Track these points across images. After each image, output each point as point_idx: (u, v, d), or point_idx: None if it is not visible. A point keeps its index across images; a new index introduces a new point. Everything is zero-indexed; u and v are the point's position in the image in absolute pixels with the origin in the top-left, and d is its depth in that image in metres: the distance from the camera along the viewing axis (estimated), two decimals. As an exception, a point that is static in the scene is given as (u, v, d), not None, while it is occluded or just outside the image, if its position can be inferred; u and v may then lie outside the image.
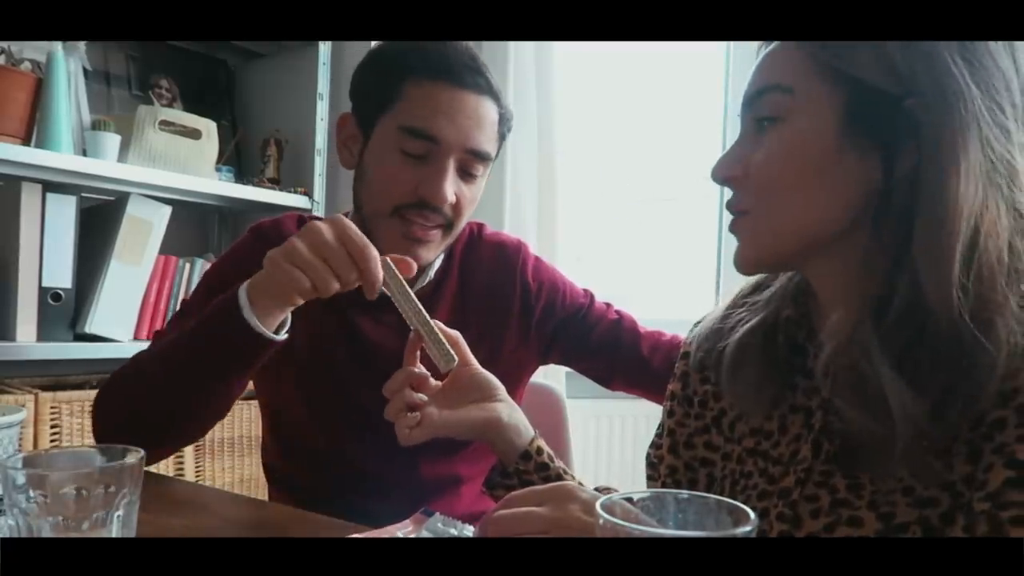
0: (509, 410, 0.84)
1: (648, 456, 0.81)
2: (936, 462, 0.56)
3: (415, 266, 0.82)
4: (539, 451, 0.83)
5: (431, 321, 0.80)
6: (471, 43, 0.97)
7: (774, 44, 0.64)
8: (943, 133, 0.56)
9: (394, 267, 0.80)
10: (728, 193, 0.68)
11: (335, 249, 0.77)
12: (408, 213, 0.93)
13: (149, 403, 0.88)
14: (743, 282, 0.76)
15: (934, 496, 0.57)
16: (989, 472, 0.55)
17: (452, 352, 0.80)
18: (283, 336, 0.84)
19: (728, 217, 0.68)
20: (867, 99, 0.59)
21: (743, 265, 0.67)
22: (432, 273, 1.04)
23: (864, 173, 0.60)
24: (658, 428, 0.81)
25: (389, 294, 0.80)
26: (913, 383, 0.56)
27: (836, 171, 0.60)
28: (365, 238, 0.79)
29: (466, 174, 0.95)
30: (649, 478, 0.81)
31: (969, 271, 0.56)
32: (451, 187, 0.93)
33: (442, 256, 1.05)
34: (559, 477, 0.82)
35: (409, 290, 0.80)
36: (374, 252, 0.78)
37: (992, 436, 0.55)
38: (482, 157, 0.95)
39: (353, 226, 0.79)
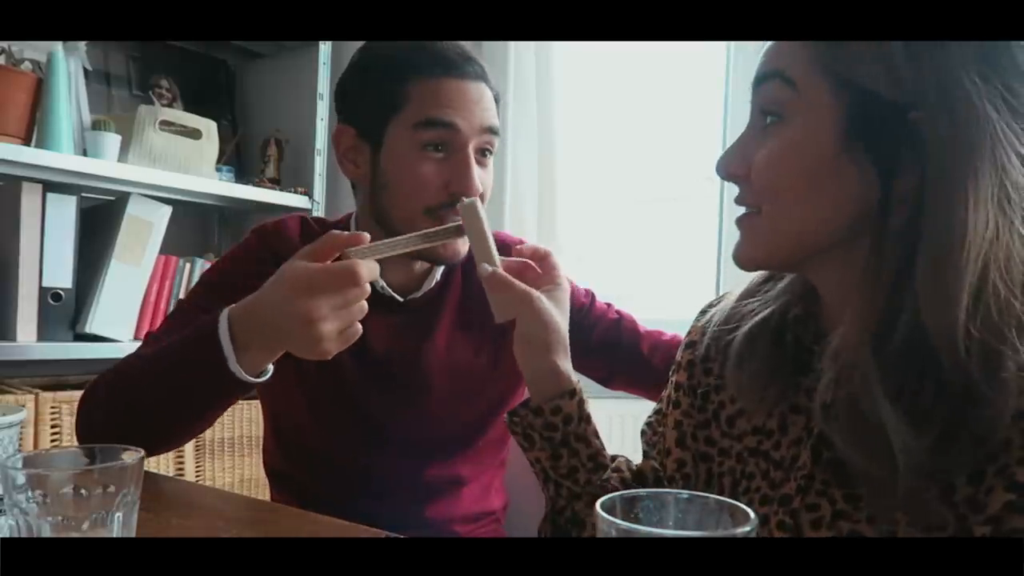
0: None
1: (644, 433, 0.79)
2: (938, 505, 0.53)
3: (366, 236, 0.76)
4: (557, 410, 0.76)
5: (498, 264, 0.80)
6: (469, 43, 0.98)
7: None
8: (950, 154, 0.52)
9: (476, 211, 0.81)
10: (730, 189, 0.67)
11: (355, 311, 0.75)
12: (440, 212, 0.93)
13: (130, 418, 0.86)
14: (742, 283, 0.75)
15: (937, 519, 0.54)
16: (990, 495, 0.52)
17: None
18: (269, 373, 0.83)
19: (730, 214, 0.68)
20: (869, 107, 0.55)
21: (742, 261, 0.66)
22: (438, 275, 1.04)
23: (862, 186, 0.57)
24: (658, 404, 0.79)
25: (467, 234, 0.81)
26: (913, 419, 0.53)
27: (834, 180, 0.58)
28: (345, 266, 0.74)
29: (481, 157, 0.96)
30: (644, 455, 0.79)
31: (977, 312, 0.51)
32: (478, 176, 0.94)
33: None
34: (579, 439, 0.76)
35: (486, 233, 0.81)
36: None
37: (996, 457, 0.52)
38: (496, 132, 0.97)
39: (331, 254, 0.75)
